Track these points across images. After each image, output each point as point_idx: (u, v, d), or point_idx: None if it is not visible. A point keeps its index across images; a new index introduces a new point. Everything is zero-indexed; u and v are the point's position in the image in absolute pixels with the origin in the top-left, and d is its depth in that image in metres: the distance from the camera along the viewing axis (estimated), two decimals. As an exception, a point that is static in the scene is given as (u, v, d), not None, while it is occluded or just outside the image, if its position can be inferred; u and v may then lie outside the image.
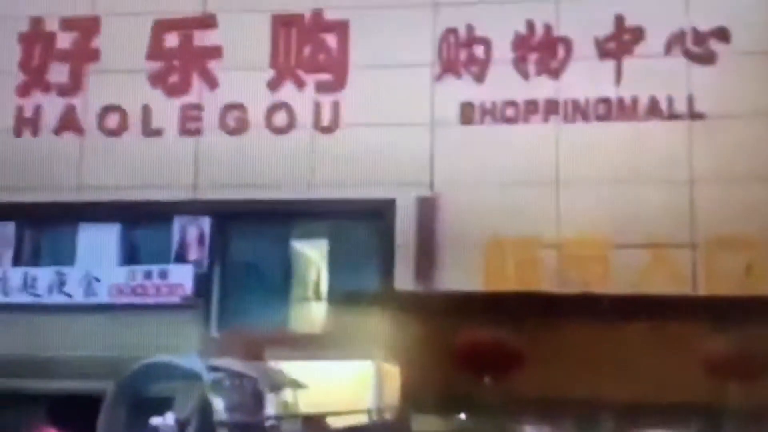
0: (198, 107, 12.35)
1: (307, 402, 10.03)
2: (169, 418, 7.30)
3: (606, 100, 11.54)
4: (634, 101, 11.46)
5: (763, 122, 11.14)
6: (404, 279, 11.47)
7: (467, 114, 11.85)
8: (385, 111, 11.85)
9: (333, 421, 8.83)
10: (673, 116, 11.37)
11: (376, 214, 11.90)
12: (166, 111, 12.34)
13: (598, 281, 10.82)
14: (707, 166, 11.12)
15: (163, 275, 11.67)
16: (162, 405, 8.27)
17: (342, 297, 10.85)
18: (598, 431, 10.84)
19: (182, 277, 11.68)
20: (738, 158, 11.05)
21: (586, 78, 11.60)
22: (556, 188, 11.38)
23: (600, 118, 11.55)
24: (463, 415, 11.66)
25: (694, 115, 11.31)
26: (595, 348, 10.47)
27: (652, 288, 10.35)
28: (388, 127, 11.78)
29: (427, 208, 11.67)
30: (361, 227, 12.22)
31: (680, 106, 11.35)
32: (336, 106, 12.06)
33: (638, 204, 11.09)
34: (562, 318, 10.47)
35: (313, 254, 12.37)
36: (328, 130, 12.05)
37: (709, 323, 9.90)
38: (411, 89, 11.87)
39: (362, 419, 9.41)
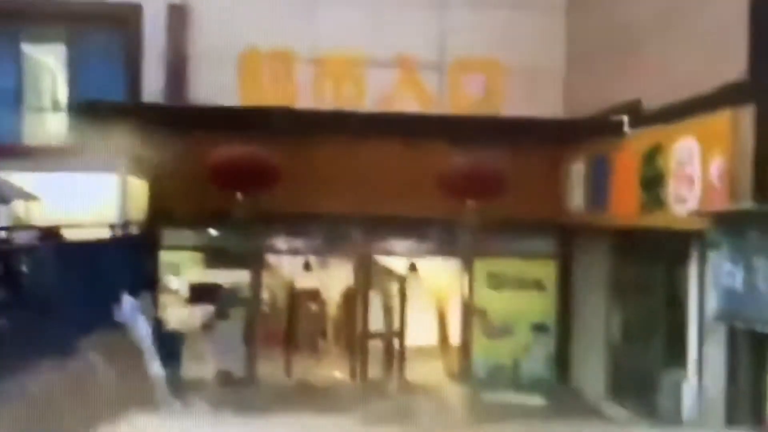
0: None
1: (44, 214, 9.42)
2: None
3: None
4: None
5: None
6: (152, 91, 10.87)
7: None
8: None
9: (72, 234, 8.39)
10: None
11: (121, 21, 11.01)
12: None
13: (352, 99, 10.94)
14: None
15: None
16: None
17: (83, 107, 10.04)
18: (345, 243, 11.37)
19: None
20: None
21: None
22: (314, 1, 11.12)
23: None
24: (215, 231, 11.68)
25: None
26: (346, 164, 10.75)
27: (402, 107, 10.65)
28: None
29: (178, 17, 10.98)
30: (104, 34, 11.26)
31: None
32: None
33: (393, 23, 11.17)
34: (316, 135, 10.56)
35: (49, 61, 11.26)
36: None
37: (450, 142, 10.44)
38: None
39: (105, 232, 9.03)
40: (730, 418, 7.14)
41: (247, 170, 10.09)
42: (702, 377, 7.73)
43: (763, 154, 6.63)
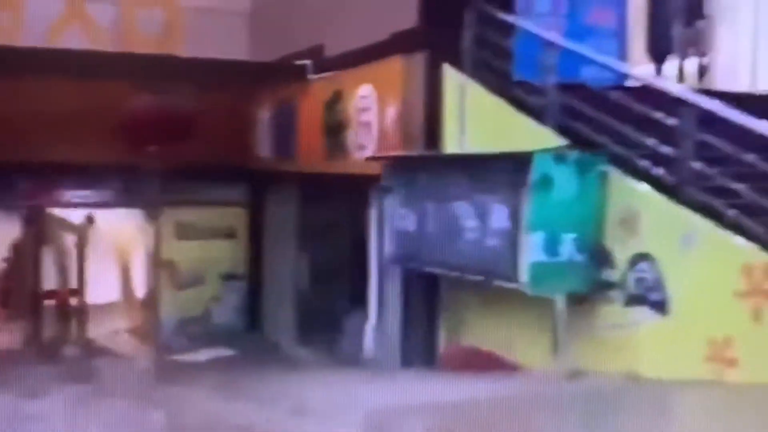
0: None
1: None
2: None
3: None
4: None
5: None
6: None
7: None
8: None
9: None
10: None
11: None
12: None
13: (9, 32, 9.66)
14: None
15: None
16: None
17: None
18: (10, 193, 10.15)
19: None
20: None
21: None
22: None
23: None
24: None
25: None
26: (8, 106, 9.53)
27: (68, 43, 9.61)
28: None
29: None
30: None
31: None
32: None
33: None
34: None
35: None
36: None
37: (128, 82, 9.69)
38: None
39: None
40: (406, 357, 7.42)
41: None
42: (382, 318, 7.96)
43: (432, 101, 6.81)
